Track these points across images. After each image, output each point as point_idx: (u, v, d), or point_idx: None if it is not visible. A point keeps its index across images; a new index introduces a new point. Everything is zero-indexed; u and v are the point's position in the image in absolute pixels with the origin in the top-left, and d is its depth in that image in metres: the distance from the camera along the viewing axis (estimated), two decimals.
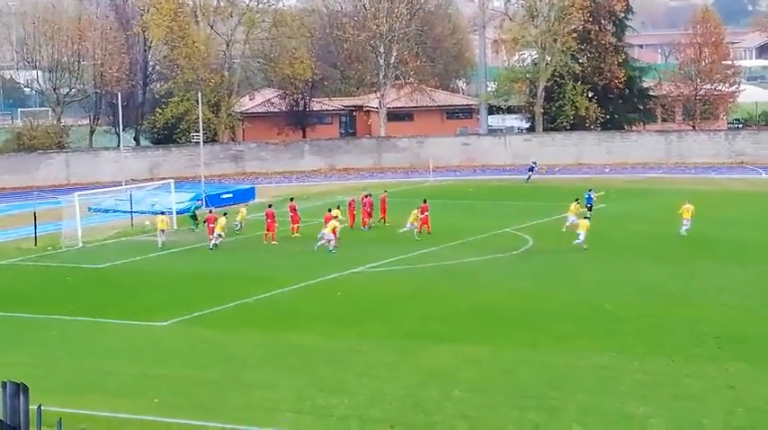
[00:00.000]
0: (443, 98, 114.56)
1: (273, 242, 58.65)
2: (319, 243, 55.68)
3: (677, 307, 41.24)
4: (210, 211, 61.31)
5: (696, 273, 48.14)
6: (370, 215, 63.22)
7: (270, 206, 61.53)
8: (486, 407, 29.22)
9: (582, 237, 54.17)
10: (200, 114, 79.49)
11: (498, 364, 33.49)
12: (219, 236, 57.76)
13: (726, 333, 36.80)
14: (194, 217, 64.59)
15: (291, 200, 63.85)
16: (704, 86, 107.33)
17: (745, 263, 50.43)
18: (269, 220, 59.16)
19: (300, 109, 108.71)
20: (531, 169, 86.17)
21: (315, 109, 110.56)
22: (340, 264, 51.50)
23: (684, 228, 57.03)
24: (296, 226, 60.87)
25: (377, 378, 32.33)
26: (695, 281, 46.58)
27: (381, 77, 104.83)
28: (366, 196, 64.43)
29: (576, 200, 61.67)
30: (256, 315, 41.91)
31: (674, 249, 54.42)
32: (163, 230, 58.86)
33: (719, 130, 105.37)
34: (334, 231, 55.53)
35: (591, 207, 62.94)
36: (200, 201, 71.01)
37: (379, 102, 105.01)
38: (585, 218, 57.32)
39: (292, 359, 34.87)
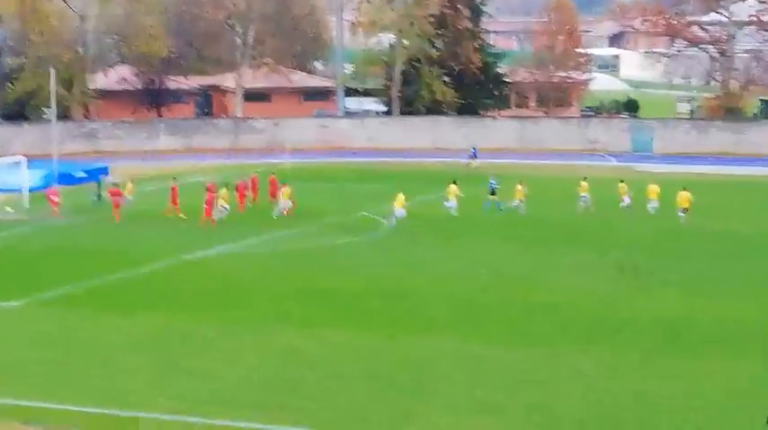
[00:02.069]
0: (301, 79, 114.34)
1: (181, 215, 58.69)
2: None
3: (534, 291, 41.80)
4: (116, 185, 61.04)
5: (554, 257, 48.87)
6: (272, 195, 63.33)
7: (116, 185, 61.70)
8: (352, 392, 29.24)
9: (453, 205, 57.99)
10: (53, 90, 77.92)
11: (361, 350, 33.52)
12: (225, 208, 57.69)
13: (586, 320, 37.41)
14: (99, 192, 64.21)
15: (174, 179, 63.04)
16: (558, 74, 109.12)
17: (603, 249, 51.40)
18: (115, 199, 59.09)
19: (156, 87, 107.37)
20: (474, 156, 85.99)
21: (171, 88, 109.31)
22: (202, 244, 51.10)
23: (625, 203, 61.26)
24: (175, 206, 60.10)
25: (240, 361, 32.11)
26: (552, 264, 47.26)
27: (238, 57, 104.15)
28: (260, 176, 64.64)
29: (454, 181, 61.69)
30: (115, 296, 41.16)
31: (530, 234, 55.23)
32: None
33: (572, 117, 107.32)
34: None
35: (494, 192, 62.96)
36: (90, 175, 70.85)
37: (236, 82, 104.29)
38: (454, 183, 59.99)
39: (153, 342, 34.39)
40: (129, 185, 63.38)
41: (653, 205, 60.48)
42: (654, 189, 60.98)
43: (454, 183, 61.38)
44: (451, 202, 60.06)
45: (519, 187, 62.10)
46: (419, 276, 44.77)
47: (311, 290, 42.11)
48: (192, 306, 39.50)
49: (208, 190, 58.63)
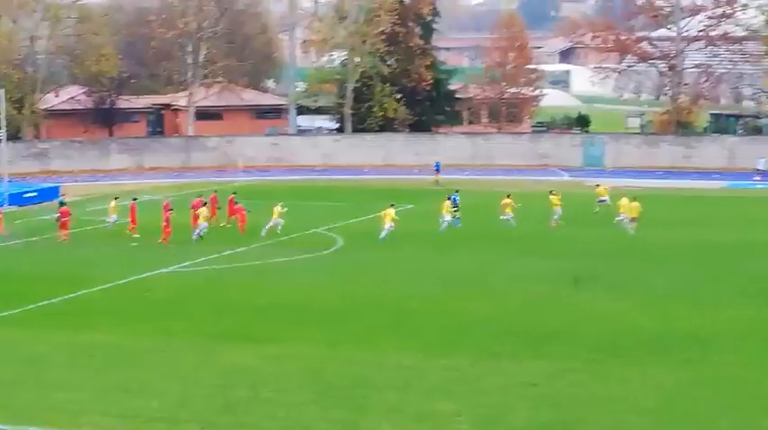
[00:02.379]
0: (253, 97, 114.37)
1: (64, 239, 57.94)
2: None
3: (480, 303, 42.00)
4: (63, 204, 60.58)
5: (501, 268, 49.10)
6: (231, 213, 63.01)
7: (63, 204, 60.99)
8: (294, 406, 29.23)
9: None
10: (3, 111, 77.46)
11: (304, 363, 33.52)
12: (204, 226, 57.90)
13: (527, 329, 37.62)
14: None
15: (134, 199, 62.53)
16: (509, 90, 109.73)
17: (548, 256, 51.77)
18: (64, 219, 58.35)
19: (107, 107, 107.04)
20: (437, 169, 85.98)
21: (122, 107, 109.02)
22: (151, 263, 50.93)
23: (555, 217, 62.51)
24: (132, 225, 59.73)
25: (184, 379, 32.00)
26: (499, 275, 47.47)
27: (190, 76, 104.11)
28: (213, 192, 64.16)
29: (392, 204, 61.41)
30: (61, 315, 40.91)
31: (478, 245, 55.46)
32: None
33: (524, 133, 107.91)
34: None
35: (457, 208, 62.98)
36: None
37: (188, 100, 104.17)
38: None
39: (97, 360, 34.19)
40: (113, 203, 62.44)
41: (621, 218, 61.06)
42: (624, 203, 61.10)
43: (392, 206, 61.01)
44: (388, 226, 59.22)
45: (507, 200, 62.50)
46: (364, 289, 44.89)
47: (257, 305, 42.10)
48: (134, 323, 39.29)
49: (165, 208, 58.47)
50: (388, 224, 57.14)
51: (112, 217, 61.24)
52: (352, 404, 29.32)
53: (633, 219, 59.50)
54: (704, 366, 32.88)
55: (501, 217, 61.82)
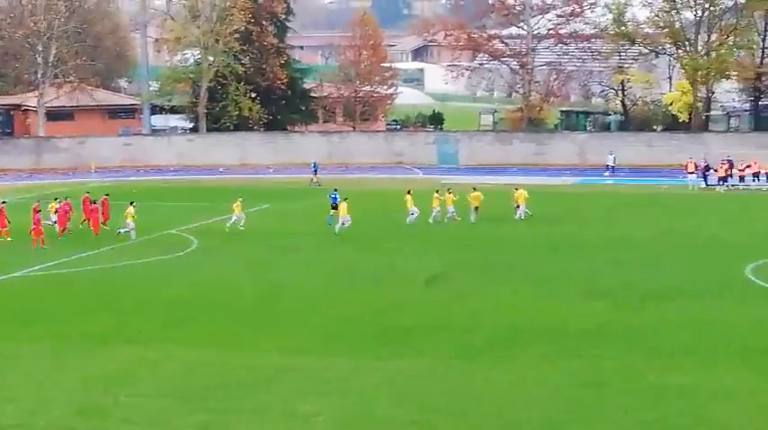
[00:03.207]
0: (105, 97, 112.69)
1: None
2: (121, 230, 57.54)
3: (346, 302, 42.12)
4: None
5: (367, 266, 49.32)
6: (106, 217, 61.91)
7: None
8: (153, 410, 28.99)
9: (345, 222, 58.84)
10: None
11: (165, 366, 33.24)
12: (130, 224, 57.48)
13: (393, 327, 37.86)
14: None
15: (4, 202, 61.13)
16: (363, 88, 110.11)
17: (415, 253, 52.25)
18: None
19: None
20: (315, 170, 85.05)
21: None
22: (2, 267, 50.01)
23: (519, 213, 63.38)
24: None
25: (39, 384, 31.48)
26: (367, 274, 47.66)
27: (40, 76, 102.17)
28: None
29: (241, 198, 61.70)
30: None
31: (344, 243, 55.59)
32: None
33: (379, 131, 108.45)
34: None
35: (336, 205, 62.67)
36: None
37: (38, 101, 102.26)
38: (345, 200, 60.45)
39: None
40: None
41: (521, 211, 63.23)
42: (522, 194, 63.68)
43: (241, 199, 62.12)
44: (233, 217, 60.66)
45: (520, 191, 64.16)
46: (223, 291, 44.68)
47: (115, 309, 41.56)
48: None
49: (34, 211, 57.47)
50: (343, 217, 58.76)
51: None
52: (212, 406, 29.17)
53: (476, 209, 62.28)
54: (559, 361, 33.50)
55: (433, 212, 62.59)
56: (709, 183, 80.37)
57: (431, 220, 62.08)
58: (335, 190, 64.38)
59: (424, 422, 27.92)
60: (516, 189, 65.31)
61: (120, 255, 53.57)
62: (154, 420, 28.19)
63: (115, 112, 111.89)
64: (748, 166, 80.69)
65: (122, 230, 58.19)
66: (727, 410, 28.54)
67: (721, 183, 79.82)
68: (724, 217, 65.85)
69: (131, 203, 59.51)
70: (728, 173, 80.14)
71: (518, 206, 63.58)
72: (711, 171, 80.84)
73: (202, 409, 28.93)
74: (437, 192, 63.64)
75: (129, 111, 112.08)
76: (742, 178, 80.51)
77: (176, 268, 50.82)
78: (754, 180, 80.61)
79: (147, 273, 49.62)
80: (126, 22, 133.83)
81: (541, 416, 28.20)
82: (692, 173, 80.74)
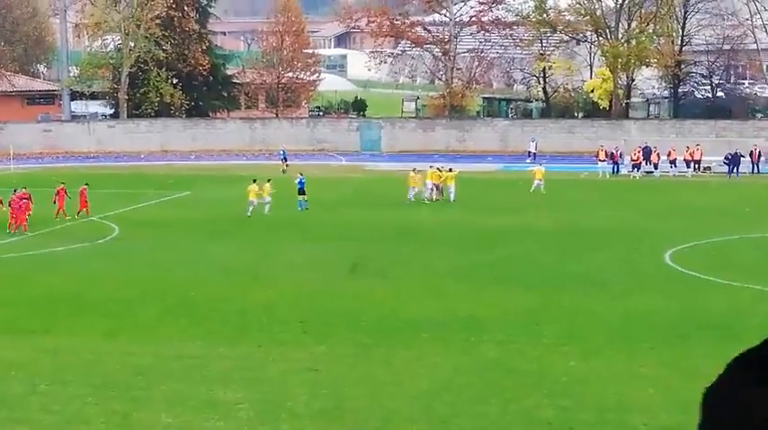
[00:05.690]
0: (23, 83, 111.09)
1: None
2: None
3: (260, 289, 42.08)
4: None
5: (279, 253, 49.27)
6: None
7: None
8: (70, 399, 28.73)
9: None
10: None
11: (80, 355, 32.95)
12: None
13: (307, 315, 37.89)
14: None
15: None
16: (286, 74, 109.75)
17: (328, 240, 52.19)
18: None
19: None
20: (284, 158, 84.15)
21: None
22: None
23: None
24: None
25: None
26: (280, 262, 47.64)
27: None
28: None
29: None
30: None
31: (255, 232, 55.48)
32: None
33: (302, 118, 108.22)
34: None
35: (302, 190, 62.49)
36: None
37: None
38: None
39: None
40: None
41: (537, 183, 69.07)
42: (540, 170, 69.81)
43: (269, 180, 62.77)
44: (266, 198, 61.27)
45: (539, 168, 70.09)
46: (143, 279, 44.40)
47: (31, 297, 41.09)
48: None
49: None
50: (253, 199, 59.74)
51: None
52: (131, 395, 28.99)
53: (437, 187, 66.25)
54: (480, 348, 33.70)
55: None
56: (619, 171, 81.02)
57: (411, 198, 65.09)
58: (301, 174, 64.17)
59: (339, 409, 27.97)
60: (450, 170, 66.30)
61: (40, 244, 53.00)
62: (72, 410, 27.94)
63: (34, 98, 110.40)
64: (668, 154, 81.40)
65: (267, 206, 60.42)
66: (640, 395, 28.89)
67: (635, 170, 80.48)
68: (637, 204, 65.83)
69: (268, 180, 62.24)
70: (639, 160, 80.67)
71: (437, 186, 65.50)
72: (624, 158, 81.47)
73: (119, 399, 28.70)
74: (413, 170, 66.26)
75: (49, 98, 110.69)
76: (656, 165, 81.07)
77: (95, 256, 50.39)
78: (671, 167, 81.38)
79: (63, 260, 49.13)
80: (45, 7, 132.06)
81: (459, 400, 28.36)
82: (603, 160, 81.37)
